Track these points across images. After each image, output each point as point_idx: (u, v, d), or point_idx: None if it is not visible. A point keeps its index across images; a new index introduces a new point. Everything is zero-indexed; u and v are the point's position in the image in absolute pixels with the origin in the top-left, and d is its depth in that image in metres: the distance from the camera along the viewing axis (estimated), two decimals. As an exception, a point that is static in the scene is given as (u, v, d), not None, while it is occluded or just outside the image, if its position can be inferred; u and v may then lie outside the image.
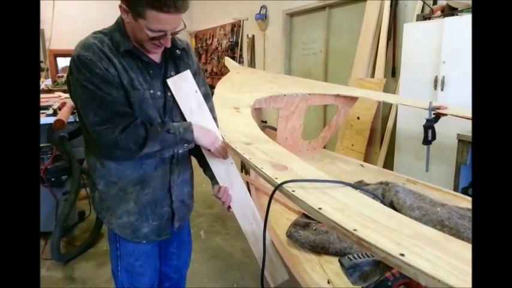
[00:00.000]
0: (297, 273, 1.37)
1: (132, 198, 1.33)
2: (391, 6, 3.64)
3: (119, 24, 1.22)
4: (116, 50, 1.19)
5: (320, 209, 0.81)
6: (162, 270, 1.59)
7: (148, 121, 1.24)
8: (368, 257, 1.33)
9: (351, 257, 1.35)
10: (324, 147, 3.01)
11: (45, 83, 6.09)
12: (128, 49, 1.20)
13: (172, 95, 1.31)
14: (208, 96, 1.46)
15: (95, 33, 1.23)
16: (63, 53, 7.68)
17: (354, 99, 2.85)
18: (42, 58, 6.81)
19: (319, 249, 1.47)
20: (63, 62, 8.01)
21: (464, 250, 0.65)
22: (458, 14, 2.78)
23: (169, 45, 1.21)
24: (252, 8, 5.99)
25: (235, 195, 1.42)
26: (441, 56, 2.76)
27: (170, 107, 1.31)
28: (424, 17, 3.09)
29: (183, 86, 1.32)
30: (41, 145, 2.90)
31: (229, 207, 1.42)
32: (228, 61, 3.90)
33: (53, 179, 2.84)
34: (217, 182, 1.42)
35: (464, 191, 2.34)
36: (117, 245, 1.40)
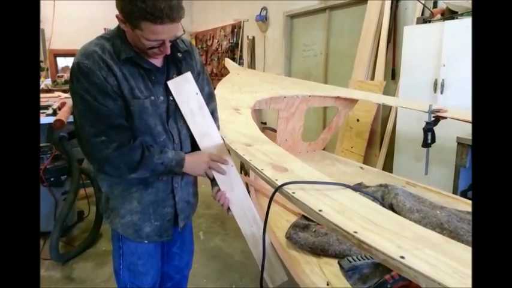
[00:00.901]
0: (296, 275, 1.37)
1: (136, 197, 1.34)
2: (391, 8, 3.65)
3: (120, 30, 1.21)
4: (117, 57, 1.18)
5: (320, 211, 0.81)
6: (164, 270, 1.59)
7: (148, 130, 1.25)
8: (367, 259, 1.34)
9: (350, 259, 1.35)
10: (324, 149, 3.01)
11: (45, 82, 6.09)
12: (129, 56, 1.19)
13: (175, 99, 1.31)
14: (212, 96, 1.47)
15: (98, 38, 1.23)
16: (63, 53, 7.68)
17: (353, 101, 2.86)
18: (42, 58, 6.80)
19: (318, 251, 1.47)
20: (63, 62, 8.01)
21: (465, 253, 0.65)
22: (459, 17, 2.79)
23: (168, 52, 1.20)
24: (253, 9, 6.00)
25: (235, 197, 1.42)
26: (441, 59, 2.77)
27: (173, 111, 1.31)
28: (424, 20, 3.10)
29: (184, 88, 1.32)
30: (41, 145, 2.90)
31: (228, 209, 1.42)
32: (228, 62, 3.90)
33: (52, 179, 2.84)
34: (216, 184, 1.42)
35: (464, 194, 2.35)
36: (120, 243, 1.41)
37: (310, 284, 1.30)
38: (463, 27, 2.60)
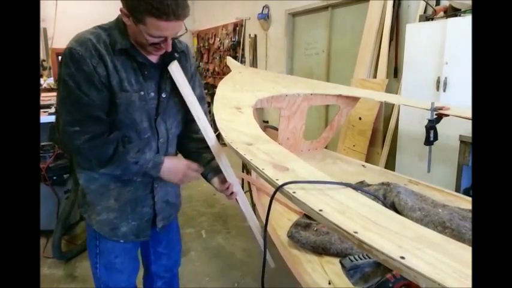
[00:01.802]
0: (297, 273, 1.37)
1: (113, 195, 1.32)
2: (393, 6, 3.63)
3: (119, 21, 1.21)
4: (111, 48, 1.18)
5: (321, 210, 0.80)
6: (153, 271, 1.59)
7: (133, 124, 1.23)
8: (369, 258, 1.34)
9: (352, 258, 1.35)
10: (326, 148, 3.00)
11: (47, 81, 6.10)
12: (124, 48, 1.19)
13: (167, 96, 1.30)
14: (203, 99, 1.45)
15: (95, 27, 1.22)
16: (65, 52, 7.68)
17: (356, 99, 2.85)
18: (44, 57, 6.81)
19: (320, 250, 1.46)
20: (66, 61, 8.01)
21: (465, 253, 0.64)
22: (461, 14, 2.77)
23: (170, 49, 1.20)
24: (255, 8, 5.99)
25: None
26: (444, 57, 2.75)
27: (163, 108, 1.30)
28: (426, 17, 3.08)
29: (182, 75, 1.33)
30: (43, 144, 2.91)
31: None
32: (230, 61, 3.89)
33: (54, 178, 2.85)
34: (215, 175, 1.40)
35: (466, 192, 2.34)
36: (96, 242, 1.39)
37: (311, 283, 1.30)
38: (466, 25, 2.58)
